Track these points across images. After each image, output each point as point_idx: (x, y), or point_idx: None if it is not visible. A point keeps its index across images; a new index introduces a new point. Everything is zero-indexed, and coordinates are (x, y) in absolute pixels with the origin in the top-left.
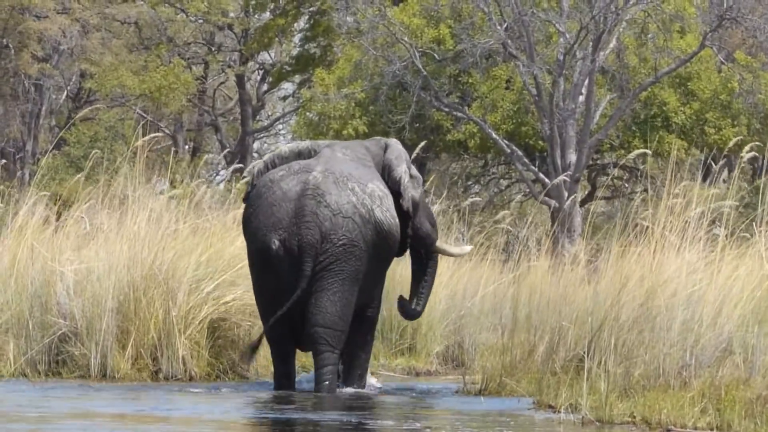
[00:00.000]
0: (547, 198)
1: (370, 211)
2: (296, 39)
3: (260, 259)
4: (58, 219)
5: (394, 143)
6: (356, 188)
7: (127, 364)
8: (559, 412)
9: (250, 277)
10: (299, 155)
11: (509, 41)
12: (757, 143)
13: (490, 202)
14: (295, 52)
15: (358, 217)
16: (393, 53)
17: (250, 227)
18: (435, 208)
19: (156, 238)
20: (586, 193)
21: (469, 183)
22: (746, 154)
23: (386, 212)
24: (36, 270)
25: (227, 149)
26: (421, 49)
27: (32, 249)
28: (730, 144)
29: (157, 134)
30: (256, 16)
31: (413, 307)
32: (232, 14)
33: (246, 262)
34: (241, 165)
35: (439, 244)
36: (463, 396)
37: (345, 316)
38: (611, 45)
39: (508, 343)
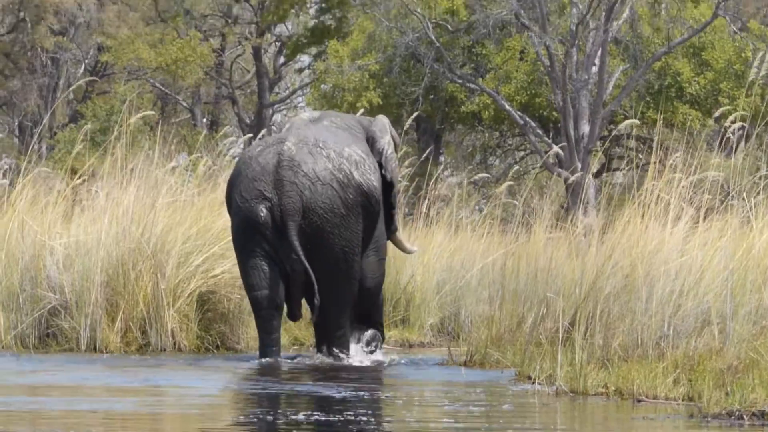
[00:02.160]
0: (560, 169)
1: (348, 176)
2: (312, 11)
3: (248, 228)
4: (73, 193)
5: (381, 117)
6: (331, 154)
7: (116, 337)
8: (537, 383)
9: None
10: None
11: (522, 12)
12: (742, 113)
13: (505, 174)
14: (310, 24)
15: (336, 183)
16: (406, 24)
17: (234, 202)
18: (452, 180)
19: (145, 212)
20: (601, 164)
21: (486, 155)
22: (732, 125)
23: (364, 174)
24: (26, 244)
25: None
26: (434, 21)
27: (23, 223)
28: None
29: (147, 112)
30: None
31: None
32: None
33: None
34: (250, 135)
35: (398, 234)
36: (446, 367)
37: (350, 287)
38: (624, 15)
39: (496, 314)
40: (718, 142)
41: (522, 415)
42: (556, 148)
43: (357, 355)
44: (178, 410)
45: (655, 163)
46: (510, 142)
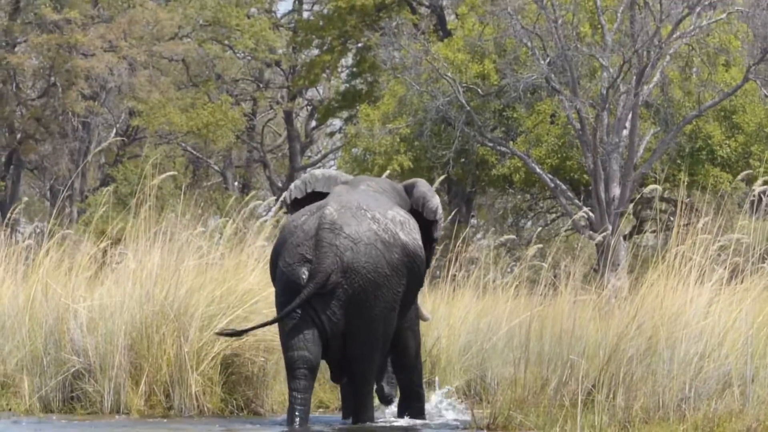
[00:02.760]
0: (591, 232)
1: (394, 235)
2: (343, 75)
3: (290, 291)
4: (104, 257)
5: (422, 180)
6: (377, 215)
7: (140, 400)
8: None
9: (262, 312)
10: (329, 179)
11: (552, 76)
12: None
13: (538, 236)
14: (342, 89)
15: (380, 243)
16: (437, 89)
17: (279, 269)
18: (482, 243)
19: (168, 274)
20: (632, 227)
21: (518, 217)
22: (758, 188)
23: (409, 234)
24: (50, 307)
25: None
26: (465, 84)
27: (47, 286)
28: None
29: (171, 173)
30: (303, 53)
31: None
32: (279, 51)
33: (259, 297)
34: (275, 198)
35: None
36: (470, 430)
37: (383, 347)
38: (655, 79)
39: (520, 376)
40: (747, 205)
41: None
42: (584, 210)
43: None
44: None
45: (680, 225)
46: (542, 205)
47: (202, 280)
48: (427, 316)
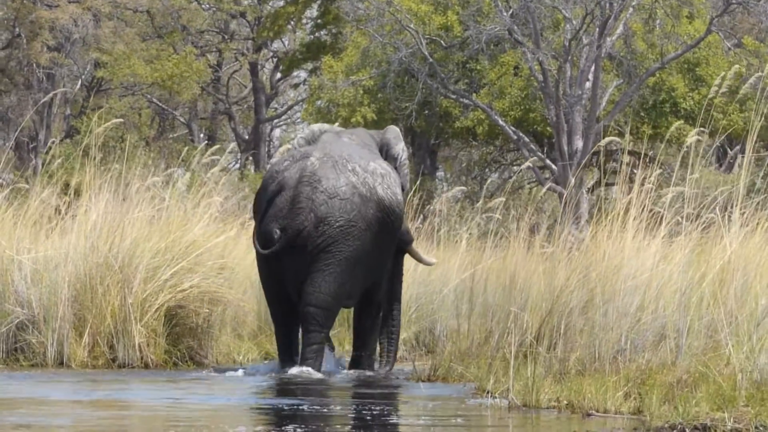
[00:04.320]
0: (553, 185)
1: (371, 189)
2: (308, 27)
3: (264, 247)
4: (68, 209)
5: (393, 127)
6: (357, 168)
7: (84, 352)
8: (492, 397)
9: (207, 264)
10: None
11: (515, 27)
12: (702, 129)
13: (502, 189)
14: (306, 40)
15: (357, 197)
16: (400, 40)
17: (255, 216)
18: (446, 195)
19: (114, 226)
20: (596, 179)
21: (484, 170)
22: (690, 139)
23: (388, 189)
24: None
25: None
26: (428, 36)
27: None
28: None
29: (115, 120)
30: (268, 3)
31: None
32: (244, 2)
33: (203, 249)
34: (218, 147)
35: (414, 246)
36: (409, 382)
37: (339, 297)
38: (618, 31)
39: (463, 328)
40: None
41: (467, 428)
42: (530, 161)
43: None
44: (143, 424)
45: (623, 179)
46: (507, 157)
47: (147, 231)
48: (431, 260)
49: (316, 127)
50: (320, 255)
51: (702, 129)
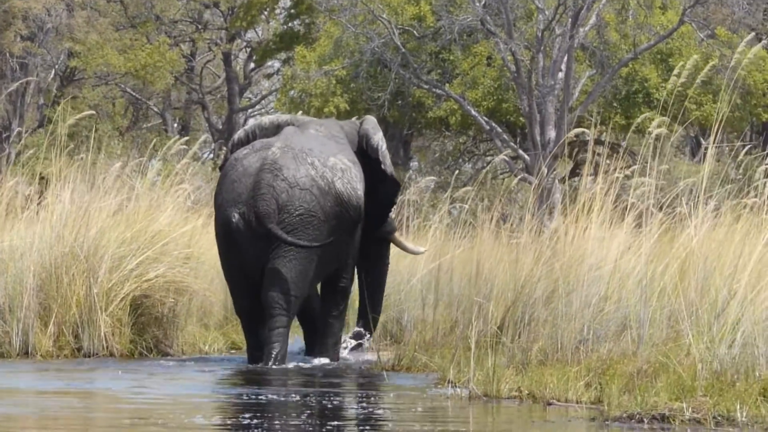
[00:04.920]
0: (526, 175)
1: (329, 183)
2: (281, 17)
3: (223, 233)
4: (40, 198)
5: (370, 117)
6: (316, 162)
7: (49, 341)
8: (454, 386)
9: (173, 254)
10: (278, 127)
11: (488, 17)
12: (664, 118)
13: (474, 178)
14: (279, 30)
15: (316, 189)
16: (373, 30)
17: (215, 204)
18: (421, 185)
19: (79, 216)
20: (569, 170)
21: (460, 160)
22: (655, 130)
23: (347, 184)
24: None
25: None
26: (401, 26)
27: None
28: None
29: (86, 112)
30: None
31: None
32: None
33: (169, 239)
34: (187, 138)
35: (397, 235)
36: (373, 371)
37: (300, 282)
38: (591, 21)
39: (429, 318)
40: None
41: (427, 418)
42: (504, 154)
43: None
44: (106, 413)
45: (588, 171)
46: (480, 147)
47: (112, 221)
48: (417, 249)
49: (284, 117)
50: (280, 243)
51: (664, 119)
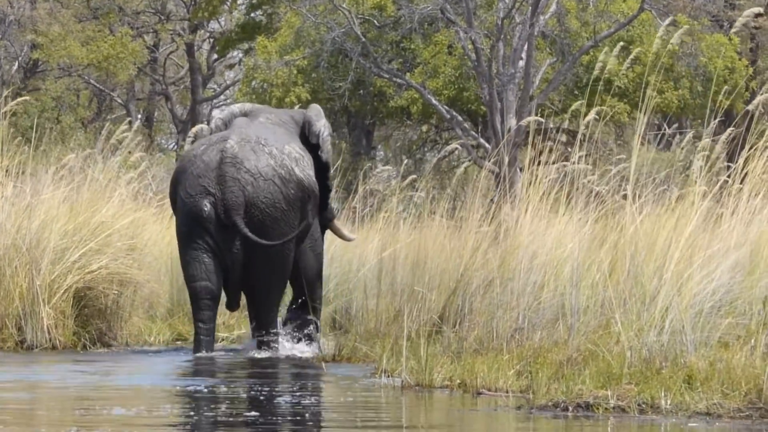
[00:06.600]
0: (488, 163)
1: (290, 171)
2: (242, 7)
3: (192, 222)
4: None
5: (314, 105)
6: (274, 151)
7: None
8: (388, 376)
9: (116, 245)
10: (231, 119)
11: (448, 6)
12: (601, 107)
13: (437, 168)
14: (241, 21)
15: (278, 178)
16: (333, 20)
17: (179, 198)
18: (381, 175)
19: (21, 208)
20: (530, 158)
21: (422, 149)
22: (590, 116)
23: (304, 171)
24: None
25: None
26: (361, 16)
27: None
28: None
29: (23, 98)
30: None
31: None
32: None
33: (112, 230)
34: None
35: (336, 222)
36: (313, 363)
37: (282, 275)
38: (551, 9)
39: (372, 308)
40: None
41: (356, 407)
42: (457, 143)
43: (287, 344)
44: (51, 406)
45: (535, 158)
46: (443, 136)
47: (55, 213)
48: (351, 236)
49: (237, 107)
50: (252, 241)
51: (601, 107)
